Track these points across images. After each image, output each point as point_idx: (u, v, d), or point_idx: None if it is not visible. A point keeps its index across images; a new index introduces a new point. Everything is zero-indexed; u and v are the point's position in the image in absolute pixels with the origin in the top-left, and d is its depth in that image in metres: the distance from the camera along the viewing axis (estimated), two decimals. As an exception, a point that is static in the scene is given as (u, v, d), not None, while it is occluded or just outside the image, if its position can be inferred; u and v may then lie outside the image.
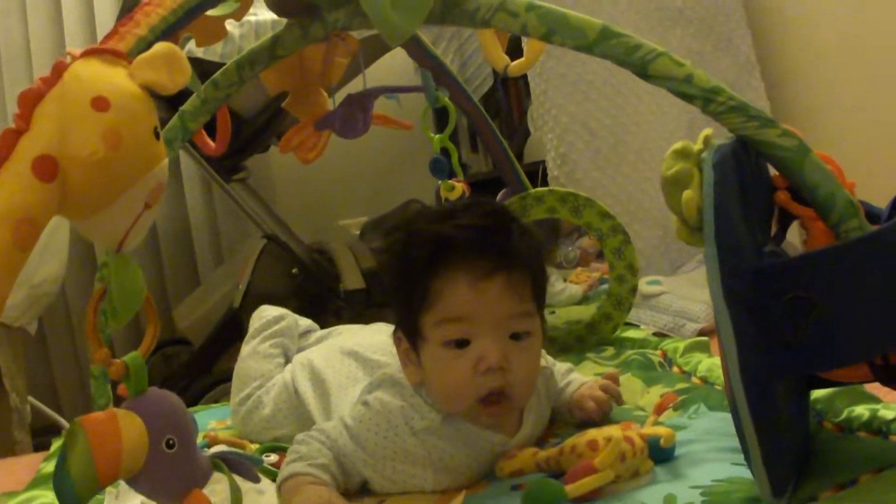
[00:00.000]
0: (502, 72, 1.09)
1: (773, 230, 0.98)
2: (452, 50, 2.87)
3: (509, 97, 3.26)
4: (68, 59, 0.77)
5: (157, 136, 0.78)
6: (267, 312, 1.57)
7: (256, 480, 0.90)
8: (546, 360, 1.26)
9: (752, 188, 0.91)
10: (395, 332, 1.13)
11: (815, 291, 0.80)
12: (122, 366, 0.79)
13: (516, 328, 1.05)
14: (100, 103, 0.73)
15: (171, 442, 0.79)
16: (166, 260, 3.11)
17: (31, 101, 0.73)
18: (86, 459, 0.74)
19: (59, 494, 0.75)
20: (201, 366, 2.59)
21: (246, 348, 1.52)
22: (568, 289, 2.19)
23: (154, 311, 0.85)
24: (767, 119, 0.91)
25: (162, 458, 0.79)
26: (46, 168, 0.71)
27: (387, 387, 1.12)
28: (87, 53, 0.78)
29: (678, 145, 0.84)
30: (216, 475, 0.86)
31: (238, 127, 2.41)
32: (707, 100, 0.93)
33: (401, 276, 1.10)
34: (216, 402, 2.14)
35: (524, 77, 2.60)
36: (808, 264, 0.81)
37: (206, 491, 0.90)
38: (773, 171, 0.95)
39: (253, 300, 2.46)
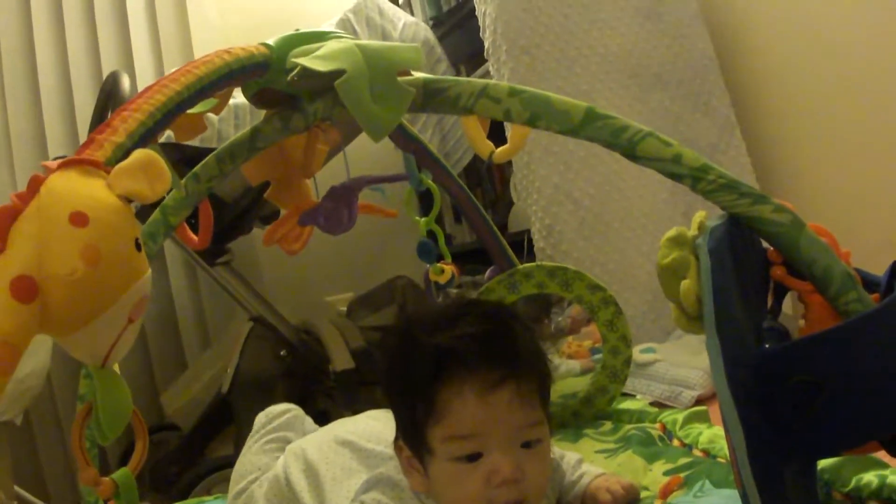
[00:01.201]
0: (487, 159, 1.07)
1: (769, 303, 0.96)
2: (432, 125, 2.87)
3: (491, 166, 3.24)
4: (44, 173, 0.75)
5: (138, 247, 0.76)
6: (273, 409, 1.54)
7: None
8: (553, 451, 1.23)
9: (747, 265, 0.90)
10: (395, 440, 1.09)
11: (820, 374, 0.78)
12: (112, 484, 0.76)
13: (527, 437, 1.01)
14: (78, 219, 0.71)
15: (163, 563, 0.76)
16: (152, 344, 3.07)
17: (6, 219, 0.71)
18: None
19: None
20: (191, 452, 2.55)
21: (247, 444, 1.49)
22: (564, 364, 2.16)
23: (143, 426, 0.83)
24: (759, 195, 0.90)
25: (155, 580, 0.76)
26: (25, 289, 0.68)
27: (384, 487, 1.09)
28: (64, 165, 0.76)
29: (672, 232, 0.82)
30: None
31: (220, 211, 2.40)
32: (696, 178, 0.92)
33: (402, 387, 1.05)
34: (208, 492, 2.09)
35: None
36: (810, 347, 0.79)
37: None
38: (766, 244, 0.93)
39: (242, 384, 2.43)
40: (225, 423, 2.53)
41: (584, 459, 1.29)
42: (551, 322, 2.36)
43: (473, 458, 0.99)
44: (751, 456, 0.73)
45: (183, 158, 2.02)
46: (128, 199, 0.77)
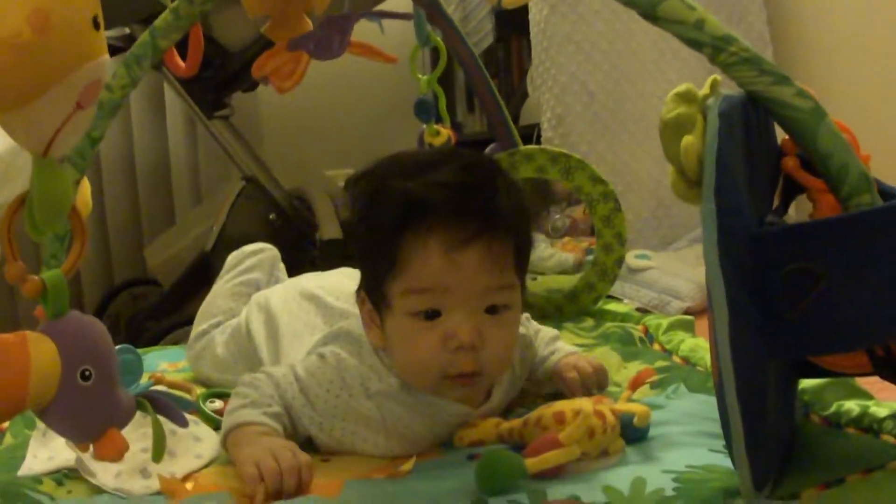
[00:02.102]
0: (497, 3, 1.00)
1: (776, 203, 0.90)
2: (454, 1, 2.79)
3: (510, 57, 3.18)
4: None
5: (96, 27, 0.69)
6: (245, 248, 1.50)
7: (184, 424, 0.82)
8: (528, 327, 1.17)
9: (758, 151, 0.83)
10: (357, 291, 1.03)
11: (821, 264, 0.72)
12: (39, 283, 0.71)
13: (493, 301, 0.95)
14: (29, -20, 0.64)
15: (87, 373, 0.71)
16: (142, 195, 3.02)
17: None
18: (-12, 384, 0.66)
19: (-43, 422, 0.68)
20: (169, 308, 2.52)
21: (217, 285, 1.44)
22: (557, 255, 2.11)
23: (82, 226, 0.77)
24: (782, 76, 0.83)
25: (75, 389, 0.71)
26: (-39, 49, 0.62)
27: (344, 342, 1.04)
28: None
29: (681, 87, 0.75)
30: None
31: (224, 61, 2.34)
32: (717, 48, 0.84)
33: (367, 236, 1.00)
34: (176, 343, 2.06)
35: (527, 37, 2.54)
36: (815, 233, 0.73)
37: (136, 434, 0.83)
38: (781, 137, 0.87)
39: (226, 243, 2.38)
40: (206, 282, 2.49)
41: (560, 337, 1.24)
42: (550, 218, 2.31)
43: (431, 315, 0.94)
44: (733, 339, 0.68)
45: None
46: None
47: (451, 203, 0.92)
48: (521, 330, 1.11)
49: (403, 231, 0.93)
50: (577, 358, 1.16)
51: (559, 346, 1.20)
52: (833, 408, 0.96)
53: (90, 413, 0.72)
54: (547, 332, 1.23)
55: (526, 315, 1.19)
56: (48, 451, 1.00)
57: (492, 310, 0.95)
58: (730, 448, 0.75)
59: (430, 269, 0.92)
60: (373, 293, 1.00)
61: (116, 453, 0.72)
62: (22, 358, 0.68)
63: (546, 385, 1.17)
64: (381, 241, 0.96)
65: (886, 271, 0.73)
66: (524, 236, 1.00)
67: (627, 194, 2.23)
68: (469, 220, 0.92)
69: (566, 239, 2.35)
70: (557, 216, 2.32)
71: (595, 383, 1.13)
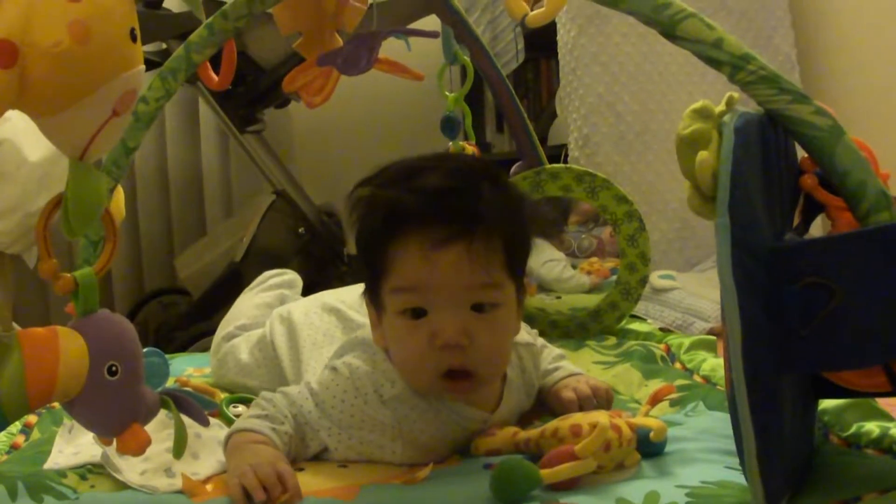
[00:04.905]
0: (520, 20, 1.02)
1: (796, 222, 0.90)
2: (484, 22, 2.81)
3: (539, 77, 3.19)
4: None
5: (133, 39, 0.72)
6: (269, 272, 1.57)
7: (205, 423, 0.84)
8: (535, 339, 1.20)
9: (777, 169, 0.84)
10: (363, 293, 1.07)
11: (836, 279, 0.72)
12: (71, 281, 0.73)
13: (478, 299, 0.97)
14: (71, -8, 0.67)
15: (114, 368, 0.73)
16: (174, 206, 3.06)
17: (-5, -19, 0.67)
18: (17, 375, 0.69)
19: (-15, 410, 0.70)
20: (198, 317, 2.55)
21: (242, 297, 1.48)
22: (576, 277, 2.13)
23: (114, 228, 0.79)
24: (801, 94, 0.84)
25: (102, 384, 0.72)
26: (5, 53, 0.65)
27: (358, 350, 1.07)
28: (66, -59, 0.71)
29: (698, 104, 0.77)
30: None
31: (256, 77, 2.38)
32: (736, 67, 0.86)
33: (361, 240, 1.04)
34: (203, 351, 2.09)
35: (556, 58, 2.56)
36: (831, 248, 0.74)
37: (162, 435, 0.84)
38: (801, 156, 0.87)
39: (255, 255, 2.42)
40: (235, 292, 2.51)
41: (566, 357, 1.26)
42: (576, 238, 2.33)
43: (417, 314, 0.97)
44: (745, 352, 0.69)
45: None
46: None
47: (430, 207, 0.96)
48: (530, 339, 1.15)
49: (389, 236, 0.97)
50: (578, 379, 1.17)
51: (564, 364, 1.22)
52: (853, 429, 0.96)
53: (115, 407, 0.74)
54: (553, 349, 1.26)
55: (534, 332, 1.23)
56: (73, 446, 1.03)
57: (478, 308, 0.97)
58: (743, 462, 0.75)
59: (411, 269, 0.96)
60: (371, 296, 1.04)
61: (139, 448, 0.74)
62: (52, 351, 0.70)
63: (545, 403, 1.19)
64: (371, 246, 1.00)
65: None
66: (515, 234, 1.02)
67: (652, 215, 2.23)
68: (447, 222, 0.95)
69: (593, 259, 2.36)
70: (584, 236, 2.34)
71: (593, 406, 1.13)
